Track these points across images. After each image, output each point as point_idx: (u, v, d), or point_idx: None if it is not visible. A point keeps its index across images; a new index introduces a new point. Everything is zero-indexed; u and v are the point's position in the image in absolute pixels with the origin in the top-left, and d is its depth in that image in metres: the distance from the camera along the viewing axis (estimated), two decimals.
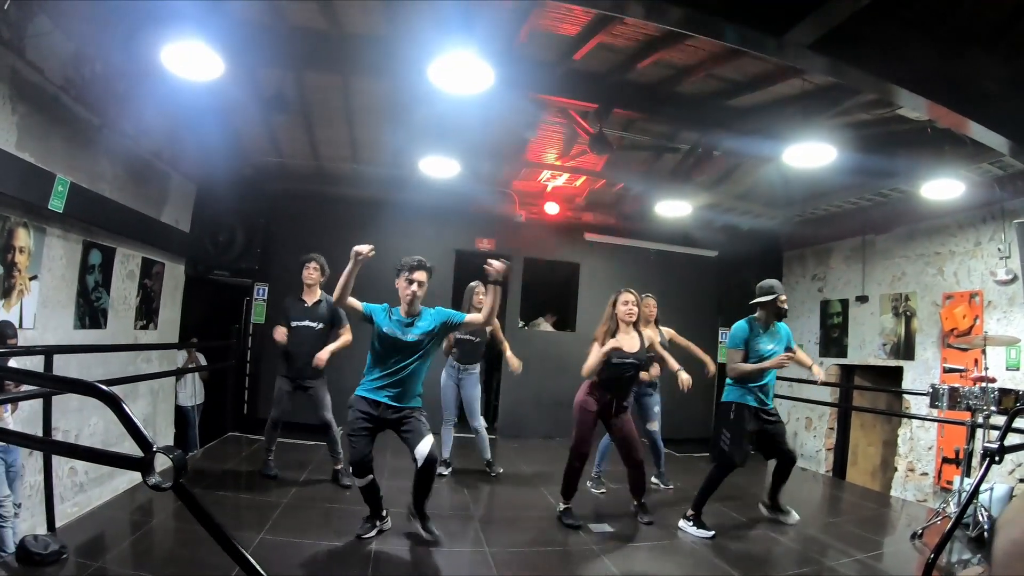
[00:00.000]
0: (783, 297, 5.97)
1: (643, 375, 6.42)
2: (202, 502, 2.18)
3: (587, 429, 5.83)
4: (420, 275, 5.08)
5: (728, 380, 5.97)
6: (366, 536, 5.06)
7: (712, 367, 7.54)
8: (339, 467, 6.65)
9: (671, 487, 7.46)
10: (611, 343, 5.66)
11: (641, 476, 6.01)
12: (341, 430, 6.28)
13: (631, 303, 5.81)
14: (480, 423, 7.39)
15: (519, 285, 10.98)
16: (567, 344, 10.76)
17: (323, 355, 6.43)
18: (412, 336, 4.99)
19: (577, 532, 5.65)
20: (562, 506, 5.97)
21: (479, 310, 6.32)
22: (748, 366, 5.75)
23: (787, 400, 10.54)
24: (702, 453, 9.66)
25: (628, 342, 5.76)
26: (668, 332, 7.43)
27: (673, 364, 6.43)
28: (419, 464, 4.87)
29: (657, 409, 7.32)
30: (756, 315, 6.00)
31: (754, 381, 5.80)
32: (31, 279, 6.01)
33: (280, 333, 6.52)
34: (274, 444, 6.80)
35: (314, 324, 6.59)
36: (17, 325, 5.57)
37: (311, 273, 6.67)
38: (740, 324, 5.94)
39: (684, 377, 6.25)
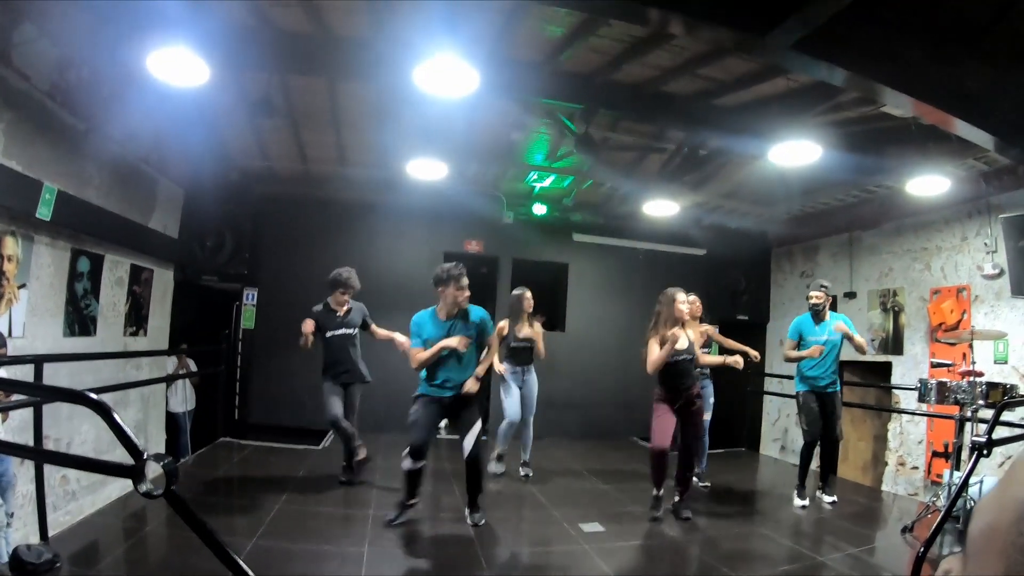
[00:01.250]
0: (811, 294, 7.09)
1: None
2: (194, 508, 2.19)
3: (665, 426, 6.19)
4: (466, 281, 5.61)
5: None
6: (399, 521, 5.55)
7: (755, 354, 7.65)
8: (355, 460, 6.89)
9: (707, 485, 7.52)
10: (669, 336, 6.14)
11: (689, 473, 6.45)
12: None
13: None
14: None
15: (507, 286, 10.98)
16: (556, 344, 10.79)
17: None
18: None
19: (569, 529, 5.67)
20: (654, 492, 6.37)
21: (529, 314, 7.59)
22: (793, 353, 7.08)
23: (776, 396, 10.60)
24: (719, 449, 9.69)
25: (680, 339, 6.21)
26: (710, 329, 7.66)
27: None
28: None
29: (712, 400, 7.61)
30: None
31: (807, 367, 7.05)
32: (19, 287, 5.98)
33: (308, 325, 6.78)
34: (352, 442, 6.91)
35: (351, 330, 7.02)
36: (6, 334, 5.54)
37: (340, 298, 7.00)
38: (796, 319, 7.34)
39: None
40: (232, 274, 9.93)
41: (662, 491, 6.29)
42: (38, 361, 4.95)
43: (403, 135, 7.68)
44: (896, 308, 9.16)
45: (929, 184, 7.34)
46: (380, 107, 7.24)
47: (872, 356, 9.49)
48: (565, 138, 7.61)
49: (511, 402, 7.50)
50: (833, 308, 10.31)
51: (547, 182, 10.02)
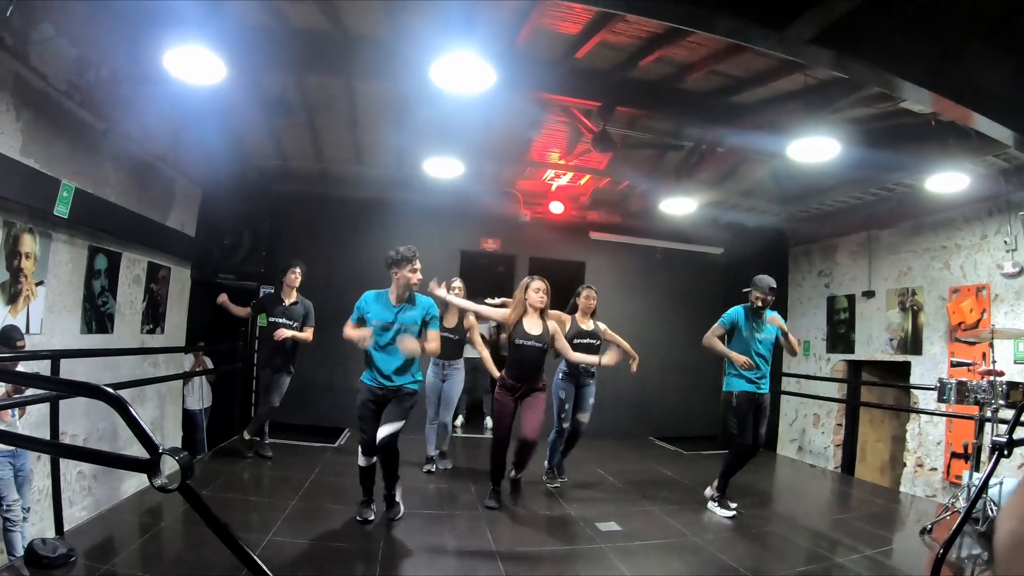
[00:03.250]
0: (755, 294, 6.46)
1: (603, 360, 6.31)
2: (210, 504, 2.18)
3: (505, 418, 6.04)
4: (419, 263, 5.49)
5: (728, 370, 6.46)
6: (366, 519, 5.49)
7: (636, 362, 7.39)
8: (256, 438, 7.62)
9: (559, 484, 7.27)
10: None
11: (527, 452, 6.12)
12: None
13: (542, 291, 6.08)
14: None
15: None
16: None
17: (284, 332, 7.26)
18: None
19: (586, 529, 5.65)
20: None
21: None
22: (717, 343, 6.49)
23: (794, 396, 10.54)
24: (709, 451, 9.65)
25: (532, 325, 6.02)
26: (603, 326, 7.32)
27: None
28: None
29: (592, 401, 7.14)
30: (747, 304, 6.51)
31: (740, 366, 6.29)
32: (37, 284, 6.02)
33: (279, 334, 7.26)
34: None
35: (291, 322, 7.38)
36: (24, 330, 5.58)
37: (294, 277, 7.51)
38: (734, 308, 6.61)
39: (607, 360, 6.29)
40: (249, 272, 9.96)
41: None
42: (55, 357, 4.96)
43: (420, 133, 7.70)
44: (915, 307, 9.08)
45: (948, 181, 7.28)
46: (397, 105, 7.26)
47: (891, 356, 9.42)
48: (582, 136, 7.59)
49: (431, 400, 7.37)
50: (851, 308, 10.29)
51: (564, 180, 10.01)
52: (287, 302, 7.47)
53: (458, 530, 5.54)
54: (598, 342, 6.98)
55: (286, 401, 7.51)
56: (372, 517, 5.51)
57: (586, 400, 7.04)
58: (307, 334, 7.49)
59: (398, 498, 5.66)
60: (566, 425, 6.97)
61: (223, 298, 7.74)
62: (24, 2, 5.03)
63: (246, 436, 7.45)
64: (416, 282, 5.42)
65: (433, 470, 7.35)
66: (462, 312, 7.20)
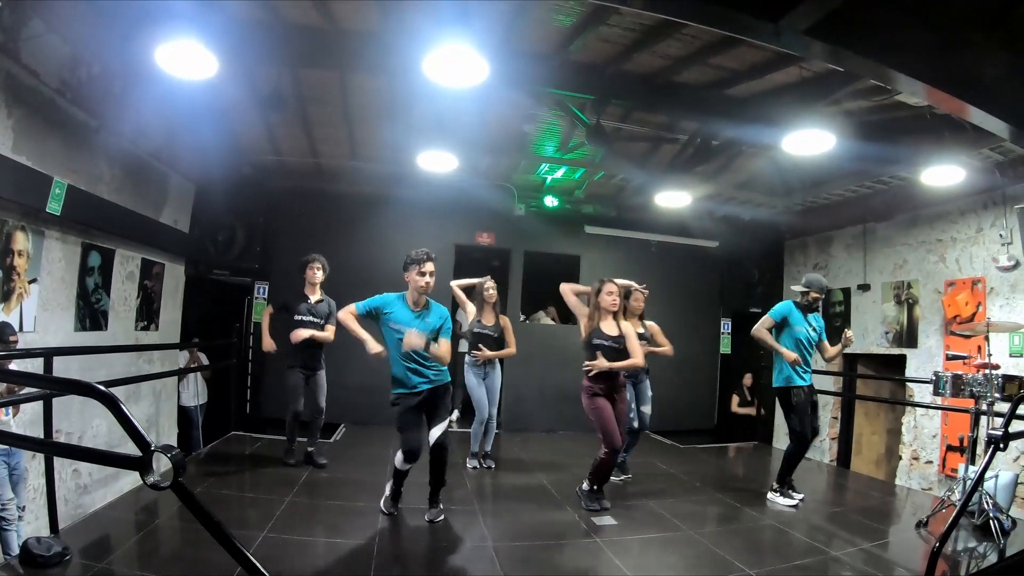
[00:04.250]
0: (813, 295, 6.59)
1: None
2: (204, 501, 2.18)
3: (610, 420, 5.93)
4: (431, 266, 5.39)
5: (777, 367, 6.64)
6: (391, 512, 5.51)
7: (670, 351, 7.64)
8: (312, 449, 7.22)
9: (626, 477, 7.35)
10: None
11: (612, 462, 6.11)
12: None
13: (615, 294, 6.11)
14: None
15: (519, 279, 10.97)
16: (569, 337, 10.77)
17: (301, 332, 6.94)
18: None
19: (581, 523, 5.65)
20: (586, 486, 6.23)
21: (489, 304, 7.36)
22: (767, 336, 6.60)
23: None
24: (705, 444, 9.66)
25: (609, 327, 6.09)
26: (651, 327, 7.42)
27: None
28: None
29: (650, 393, 7.35)
30: (797, 299, 6.72)
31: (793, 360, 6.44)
32: (30, 282, 6.00)
33: (297, 335, 6.97)
34: (296, 436, 7.23)
35: (317, 320, 7.07)
36: (17, 328, 5.56)
37: (314, 273, 7.14)
38: (784, 302, 6.85)
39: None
40: (244, 268, 9.96)
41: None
42: (48, 354, 4.94)
43: (414, 128, 7.67)
44: (910, 300, 9.09)
45: (944, 174, 7.28)
46: (391, 100, 7.24)
47: (886, 349, 9.44)
48: (576, 129, 7.58)
49: (478, 398, 7.40)
50: (846, 301, 10.30)
51: (559, 174, 10.01)
52: (312, 299, 7.15)
53: (454, 524, 5.52)
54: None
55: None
56: (396, 512, 5.58)
57: (645, 393, 7.28)
58: (328, 333, 7.13)
59: (440, 504, 5.65)
60: (635, 424, 7.15)
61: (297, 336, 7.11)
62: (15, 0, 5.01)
63: (308, 449, 7.18)
64: (424, 285, 5.35)
65: (483, 466, 7.52)
66: (498, 311, 7.46)
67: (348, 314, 5.36)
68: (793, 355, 6.36)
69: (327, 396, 7.21)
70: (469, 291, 7.39)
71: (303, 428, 7.19)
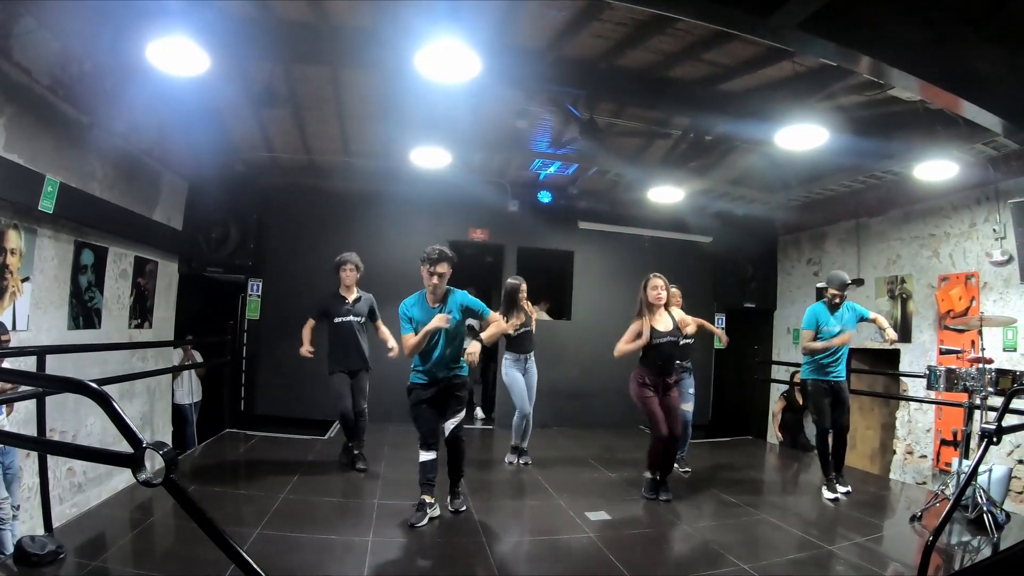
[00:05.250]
0: (832, 291, 6.72)
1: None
2: (198, 498, 2.17)
3: (658, 412, 6.10)
4: (442, 267, 5.47)
5: (804, 359, 6.92)
6: (419, 524, 5.30)
7: (724, 338, 8.24)
8: (357, 452, 7.08)
9: (688, 471, 7.46)
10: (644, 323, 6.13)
11: (674, 450, 6.33)
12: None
13: (660, 287, 6.17)
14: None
15: (513, 274, 10.96)
16: (563, 332, 10.78)
17: (388, 337, 6.99)
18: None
19: (576, 518, 5.66)
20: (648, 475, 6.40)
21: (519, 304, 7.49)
22: (816, 345, 6.67)
23: (784, 384, 10.57)
24: (700, 439, 9.66)
25: (662, 322, 6.17)
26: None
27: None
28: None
29: (692, 391, 7.47)
30: (824, 300, 6.80)
31: (824, 356, 6.69)
32: (23, 281, 5.99)
33: (304, 350, 6.96)
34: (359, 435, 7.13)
35: (359, 318, 7.04)
36: (10, 327, 5.55)
37: (349, 274, 7.06)
38: (811, 307, 6.92)
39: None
40: (237, 265, 9.95)
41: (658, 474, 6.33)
42: (40, 353, 4.94)
43: (407, 124, 7.67)
44: (904, 295, 9.11)
45: (937, 169, 7.29)
46: (383, 96, 7.23)
47: (880, 343, 9.45)
48: (569, 125, 7.57)
49: (518, 392, 7.48)
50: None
51: (552, 169, 9.99)
52: (350, 299, 7.07)
53: (446, 519, 5.53)
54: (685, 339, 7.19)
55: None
56: (425, 522, 5.34)
57: (686, 391, 7.32)
58: (384, 330, 7.11)
59: (461, 488, 5.76)
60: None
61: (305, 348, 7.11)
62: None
63: (355, 452, 7.07)
64: (433, 283, 5.46)
65: (526, 462, 7.62)
66: (527, 307, 7.60)
67: (410, 340, 5.42)
68: (840, 339, 6.63)
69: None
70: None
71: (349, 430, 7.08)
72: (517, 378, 7.48)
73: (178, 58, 5.23)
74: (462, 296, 5.61)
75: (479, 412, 10.86)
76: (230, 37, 5.69)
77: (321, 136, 8.84)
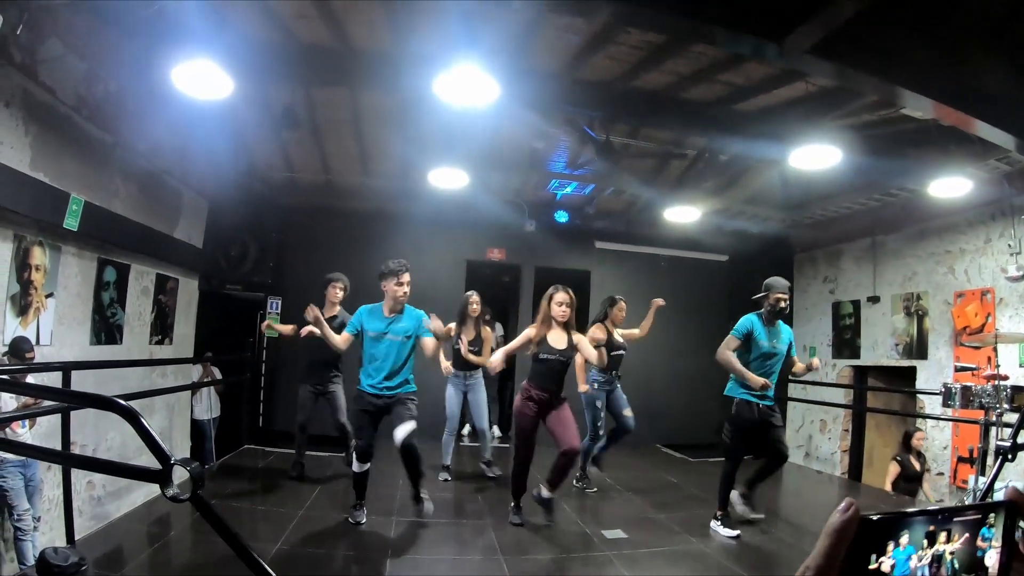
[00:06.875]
0: (778, 295, 6.07)
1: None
2: (217, 513, 2.22)
3: (528, 433, 5.87)
4: (407, 277, 5.60)
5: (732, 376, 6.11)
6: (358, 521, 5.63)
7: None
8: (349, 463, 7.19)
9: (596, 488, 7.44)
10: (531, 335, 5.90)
11: (569, 464, 5.88)
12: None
13: (565, 304, 5.89)
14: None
15: (530, 294, 11.00)
16: None
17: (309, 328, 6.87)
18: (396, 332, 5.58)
19: (593, 537, 5.68)
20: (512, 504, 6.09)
21: (472, 318, 7.43)
22: (734, 361, 5.96)
23: (800, 403, 10.55)
24: (715, 457, 9.65)
25: (556, 339, 5.87)
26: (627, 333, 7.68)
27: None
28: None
29: (625, 397, 7.41)
30: (760, 311, 6.14)
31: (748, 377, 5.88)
32: (47, 296, 6.09)
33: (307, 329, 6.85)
34: (304, 448, 7.34)
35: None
36: (34, 342, 5.65)
37: (336, 292, 7.20)
38: (747, 316, 6.15)
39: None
40: (256, 283, 10.04)
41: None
42: (66, 368, 5.02)
43: (425, 145, 7.75)
44: (920, 312, 9.09)
45: (951, 186, 7.30)
46: (402, 117, 7.31)
47: (896, 361, 9.43)
48: (586, 146, 7.63)
49: (450, 409, 7.56)
50: (856, 314, 10.30)
51: (569, 190, 10.05)
52: (326, 315, 7.04)
53: (465, 538, 5.57)
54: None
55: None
56: (364, 520, 5.66)
57: (621, 398, 7.31)
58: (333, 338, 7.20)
59: (424, 495, 5.74)
60: (602, 432, 7.20)
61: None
62: (33, 18, 5.10)
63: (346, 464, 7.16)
64: (402, 296, 5.57)
65: (449, 479, 7.50)
66: (480, 325, 7.55)
67: (341, 339, 5.61)
68: (761, 381, 5.81)
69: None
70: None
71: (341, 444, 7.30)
72: (451, 395, 7.55)
73: (202, 81, 5.34)
74: (421, 316, 5.70)
75: (496, 430, 10.90)
76: (252, 60, 5.79)
77: (340, 156, 8.93)
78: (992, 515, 0.74)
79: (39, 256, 5.96)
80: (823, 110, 6.34)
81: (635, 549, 5.48)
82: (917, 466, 7.93)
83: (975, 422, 6.34)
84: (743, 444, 6.09)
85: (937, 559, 0.71)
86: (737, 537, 5.80)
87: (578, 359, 6.31)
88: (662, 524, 6.19)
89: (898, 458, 7.97)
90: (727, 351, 6.02)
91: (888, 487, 7.96)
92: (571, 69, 6.23)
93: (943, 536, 0.72)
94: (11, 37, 4.96)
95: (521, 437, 5.91)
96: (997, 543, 0.74)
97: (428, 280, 9.89)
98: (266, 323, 7.78)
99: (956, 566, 0.73)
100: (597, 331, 6.94)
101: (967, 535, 0.73)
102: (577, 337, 5.92)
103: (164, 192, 8.32)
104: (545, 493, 5.92)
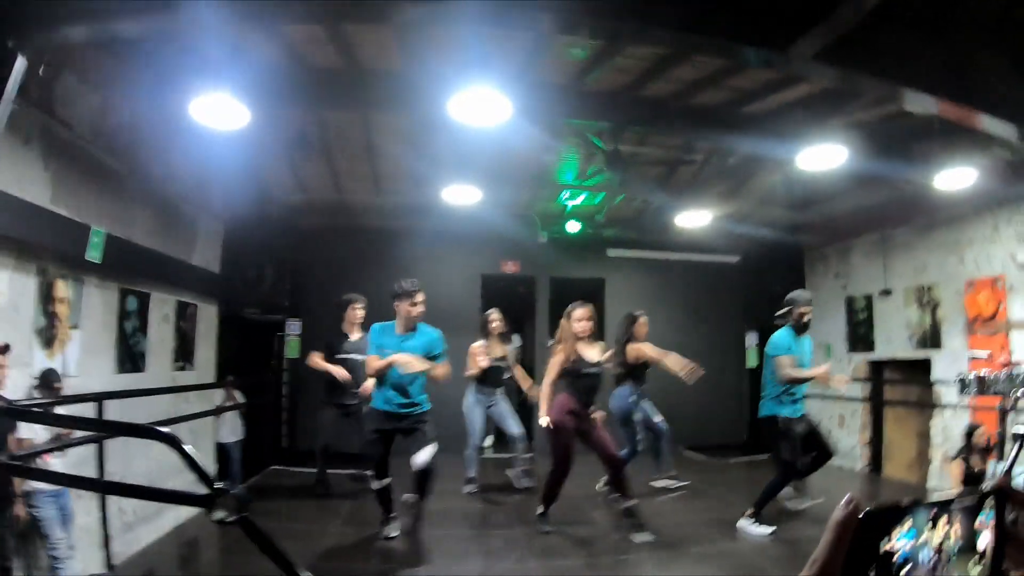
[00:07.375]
0: (802, 309, 6.22)
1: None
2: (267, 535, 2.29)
3: (569, 447, 5.99)
4: (422, 297, 5.70)
5: (768, 392, 6.25)
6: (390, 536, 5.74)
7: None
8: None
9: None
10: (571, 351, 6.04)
11: (619, 472, 6.11)
12: None
13: (584, 319, 6.15)
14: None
15: (546, 304, 11.07)
16: None
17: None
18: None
19: (623, 541, 5.73)
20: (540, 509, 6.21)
21: (495, 335, 7.50)
22: (803, 372, 6.08)
23: (818, 399, 10.56)
24: (735, 458, 9.69)
25: (589, 353, 6.11)
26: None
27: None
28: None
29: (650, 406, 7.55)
30: (786, 325, 6.29)
31: (801, 390, 6.18)
32: (72, 328, 6.18)
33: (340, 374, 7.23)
34: (326, 467, 7.55)
35: (360, 356, 7.09)
36: (61, 372, 5.73)
37: (357, 313, 7.43)
38: (782, 332, 6.24)
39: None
40: (274, 306, 10.12)
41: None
42: (100, 399, 5.12)
43: (437, 163, 7.85)
44: (932, 303, 9.11)
45: (957, 177, 7.31)
46: (413, 137, 7.41)
47: (911, 353, 9.44)
48: (595, 156, 7.70)
49: (472, 424, 7.60)
50: (869, 308, 10.32)
51: (579, 200, 10.13)
52: (353, 337, 7.43)
53: (496, 545, 5.64)
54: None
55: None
56: (396, 533, 5.77)
57: (651, 406, 7.52)
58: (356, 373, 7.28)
59: (419, 504, 5.92)
60: (639, 439, 7.32)
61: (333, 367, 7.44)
62: (50, 56, 5.20)
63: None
64: (416, 315, 5.66)
65: (474, 491, 7.55)
66: (504, 342, 7.68)
67: (372, 362, 5.61)
68: (825, 368, 6.21)
69: None
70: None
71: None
72: (475, 409, 7.58)
73: (218, 112, 5.42)
74: (436, 336, 5.79)
75: (490, 440, 10.88)
76: (264, 87, 5.86)
77: (353, 176, 9.03)
78: (985, 502, 0.82)
79: (63, 289, 6.05)
80: (829, 109, 6.38)
81: (663, 551, 5.53)
82: (982, 464, 7.65)
83: (992, 408, 6.35)
84: (800, 455, 6.18)
85: (939, 544, 0.79)
86: (772, 534, 5.94)
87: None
88: (689, 525, 6.24)
89: (962, 457, 7.67)
90: (789, 369, 6.07)
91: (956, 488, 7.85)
92: (578, 81, 6.30)
93: (943, 521, 0.79)
94: (31, 76, 5.06)
95: (562, 451, 5.98)
96: (990, 527, 0.82)
97: (444, 294, 9.97)
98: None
99: (956, 550, 0.80)
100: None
101: (965, 520, 0.81)
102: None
103: (180, 219, 8.42)
104: (625, 503, 6.03)
